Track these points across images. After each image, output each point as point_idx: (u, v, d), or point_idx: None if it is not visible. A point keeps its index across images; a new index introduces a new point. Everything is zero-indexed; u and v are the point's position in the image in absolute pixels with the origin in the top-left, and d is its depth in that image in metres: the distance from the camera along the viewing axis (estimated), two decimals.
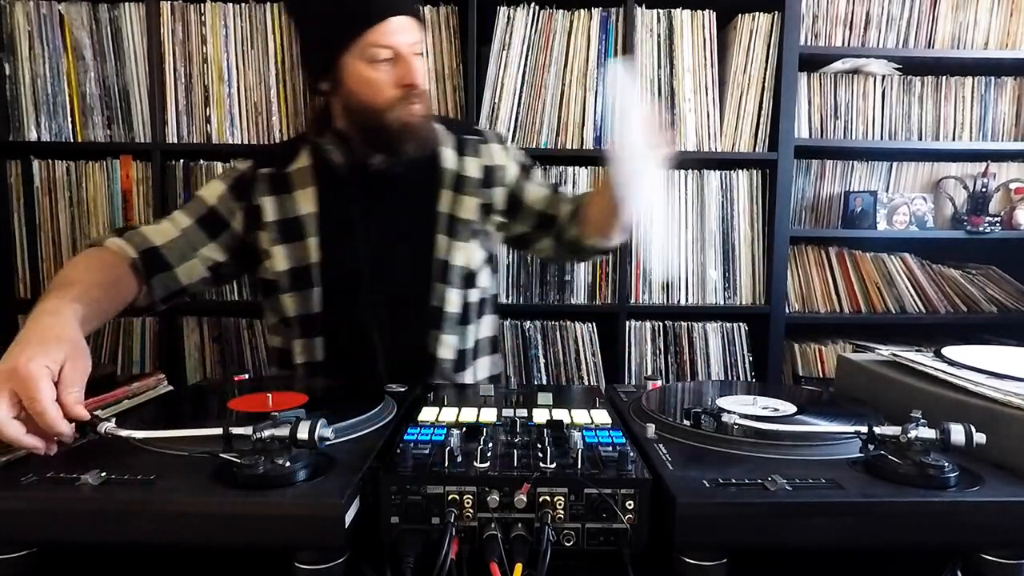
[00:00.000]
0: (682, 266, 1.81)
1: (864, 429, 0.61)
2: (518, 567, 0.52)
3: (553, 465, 0.58)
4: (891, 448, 0.60)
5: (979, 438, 0.58)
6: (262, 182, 1.09)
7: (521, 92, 1.74)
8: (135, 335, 1.73)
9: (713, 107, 1.77)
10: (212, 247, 1.07)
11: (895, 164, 1.99)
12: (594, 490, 0.56)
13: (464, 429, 0.65)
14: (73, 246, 1.71)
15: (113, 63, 1.68)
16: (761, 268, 1.82)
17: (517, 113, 1.74)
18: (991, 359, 0.79)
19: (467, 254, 1.11)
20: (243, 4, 1.68)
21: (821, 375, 1.89)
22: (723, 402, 0.77)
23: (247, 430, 0.57)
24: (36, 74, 1.67)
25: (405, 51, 0.97)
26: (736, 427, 0.66)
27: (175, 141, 1.70)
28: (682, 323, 1.82)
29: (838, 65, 1.88)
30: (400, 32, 0.96)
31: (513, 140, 1.73)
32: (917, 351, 0.90)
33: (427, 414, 0.75)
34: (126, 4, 1.67)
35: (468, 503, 0.56)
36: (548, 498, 0.56)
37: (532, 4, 1.72)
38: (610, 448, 0.63)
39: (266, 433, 0.56)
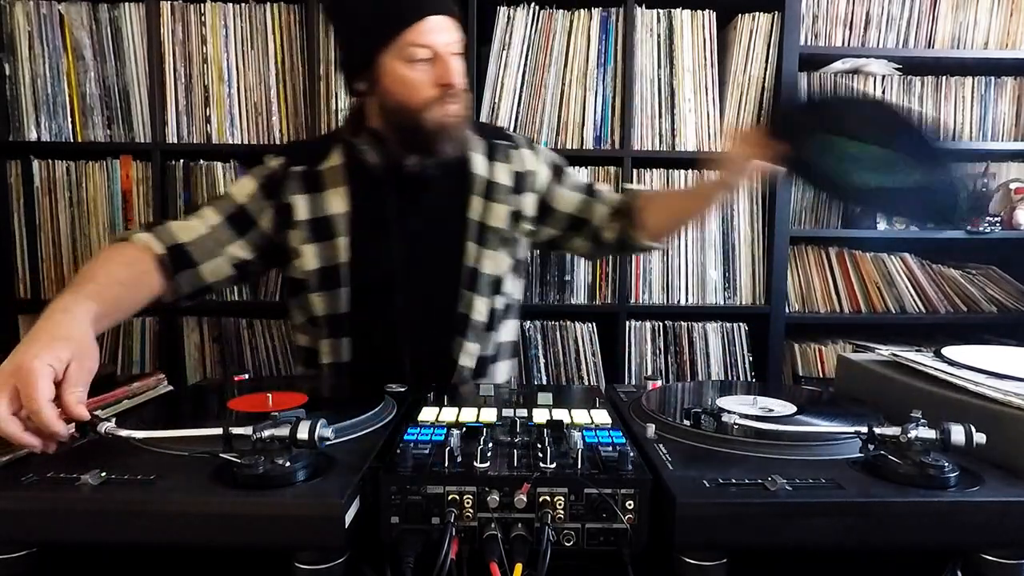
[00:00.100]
0: (682, 266, 1.81)
1: (864, 429, 0.61)
2: (518, 567, 0.52)
3: (553, 465, 0.58)
4: (891, 448, 0.60)
5: (979, 438, 0.58)
6: (294, 180, 1.08)
7: (521, 92, 1.74)
8: (135, 335, 1.73)
9: (713, 107, 1.77)
10: (239, 245, 1.07)
11: None
12: (594, 490, 0.56)
13: (464, 429, 0.65)
14: (73, 246, 1.71)
15: (113, 63, 1.69)
16: (761, 268, 1.82)
17: (517, 113, 1.74)
18: (991, 359, 0.79)
19: (496, 262, 1.11)
20: (243, 4, 1.68)
21: (821, 375, 1.89)
22: (723, 402, 0.78)
23: (247, 430, 0.57)
24: (36, 74, 1.67)
25: (443, 50, 0.97)
26: (736, 427, 0.66)
27: (175, 141, 1.70)
28: (682, 323, 1.82)
29: (838, 65, 1.88)
30: (438, 31, 0.96)
31: None
32: (917, 351, 0.90)
33: (427, 414, 0.75)
34: (126, 4, 1.67)
35: (468, 503, 0.56)
36: (548, 498, 0.56)
37: (532, 4, 1.72)
38: (610, 448, 0.63)
39: (266, 433, 0.56)
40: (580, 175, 1.22)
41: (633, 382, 1.73)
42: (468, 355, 1.10)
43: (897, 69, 1.90)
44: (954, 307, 1.93)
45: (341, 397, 0.92)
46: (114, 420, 0.64)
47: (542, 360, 1.80)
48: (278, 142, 1.72)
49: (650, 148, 1.76)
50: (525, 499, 0.55)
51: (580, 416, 0.74)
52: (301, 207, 1.07)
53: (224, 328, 1.75)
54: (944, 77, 1.93)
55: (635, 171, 1.78)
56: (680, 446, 0.66)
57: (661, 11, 1.74)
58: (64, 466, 0.59)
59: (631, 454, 0.59)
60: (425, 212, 1.09)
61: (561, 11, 1.73)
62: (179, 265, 1.00)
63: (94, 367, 0.68)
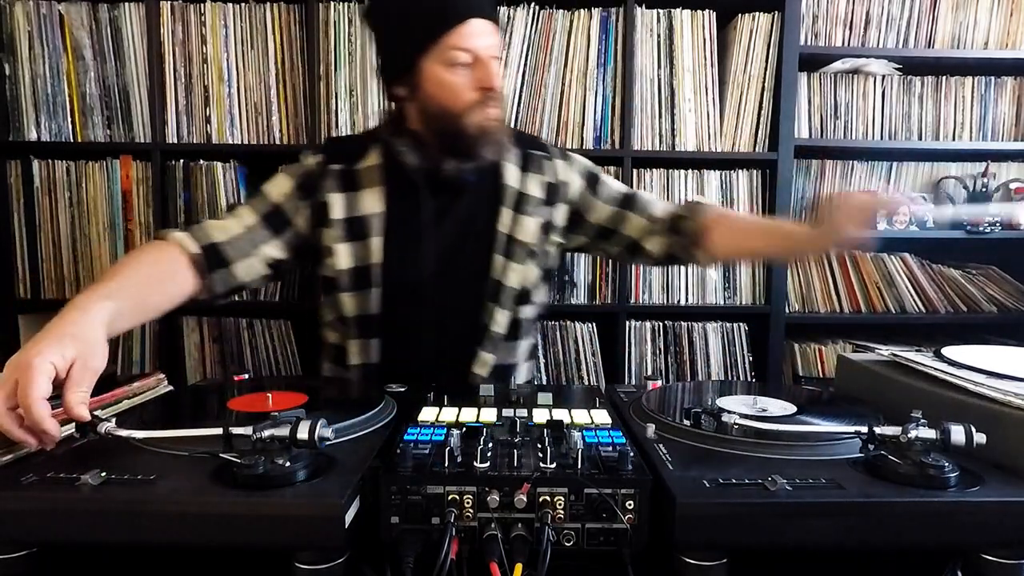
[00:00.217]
0: (682, 266, 1.81)
1: (864, 429, 0.61)
2: (518, 567, 0.52)
3: (553, 465, 0.58)
4: (891, 448, 0.60)
5: (979, 438, 0.58)
6: (331, 178, 1.08)
7: (521, 92, 1.74)
8: (135, 335, 1.73)
9: (713, 107, 1.77)
10: (274, 245, 1.07)
11: (895, 164, 1.99)
12: (594, 490, 0.56)
13: (464, 429, 0.65)
14: (73, 246, 1.71)
15: (113, 63, 1.69)
16: (761, 268, 1.82)
17: (517, 113, 1.74)
18: (991, 359, 0.79)
19: (522, 275, 1.11)
20: (243, 4, 1.68)
21: (821, 375, 1.89)
22: (723, 402, 0.77)
23: (247, 430, 0.57)
24: (36, 74, 1.67)
25: (483, 54, 0.97)
26: (736, 427, 0.66)
27: (175, 141, 1.70)
28: (682, 323, 1.82)
29: (838, 65, 1.88)
30: (479, 35, 0.96)
31: None
32: (917, 351, 0.90)
33: (427, 414, 0.75)
34: (126, 4, 1.67)
35: (468, 503, 0.56)
36: (548, 498, 0.56)
37: (532, 4, 1.72)
38: (610, 448, 0.63)
39: (266, 433, 0.56)
40: (617, 185, 1.20)
41: (633, 382, 1.73)
42: (483, 364, 1.10)
43: (897, 69, 1.90)
44: (954, 307, 1.93)
45: (341, 397, 0.92)
46: (114, 420, 0.64)
47: (542, 360, 1.80)
48: (278, 142, 1.72)
49: (650, 148, 1.76)
50: (525, 499, 0.55)
51: (580, 416, 0.74)
52: (337, 205, 1.07)
53: (224, 328, 1.75)
54: (944, 77, 1.93)
55: (635, 171, 1.78)
56: (680, 446, 0.66)
57: (661, 11, 1.74)
58: (64, 466, 0.59)
59: (631, 454, 0.59)
60: (457, 220, 1.09)
61: (561, 11, 1.73)
62: (213, 264, 1.00)
63: (100, 367, 0.68)
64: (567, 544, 0.56)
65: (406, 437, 0.66)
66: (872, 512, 0.55)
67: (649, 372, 1.82)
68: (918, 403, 0.67)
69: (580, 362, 1.81)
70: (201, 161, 1.70)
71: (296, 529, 0.53)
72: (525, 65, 1.73)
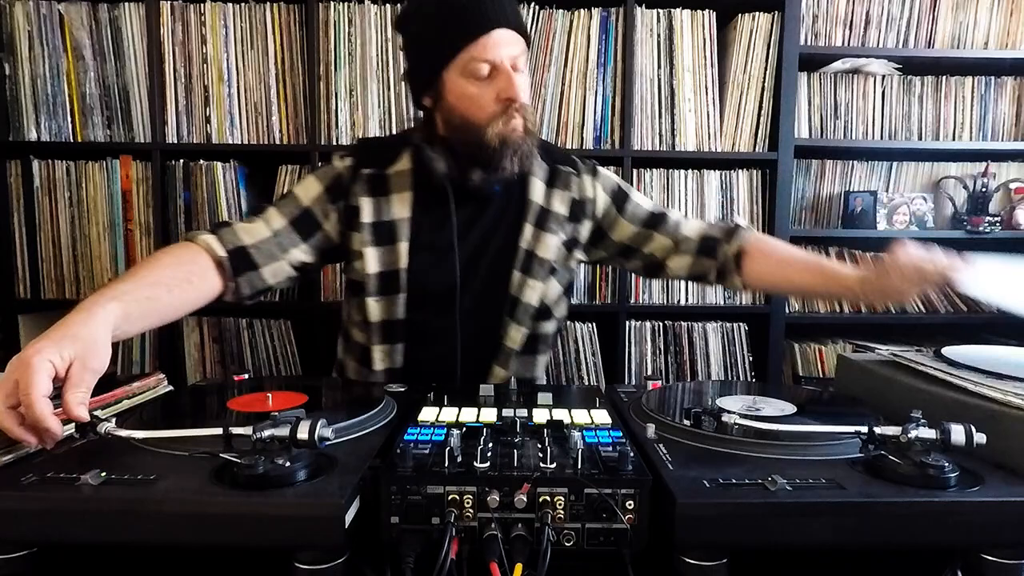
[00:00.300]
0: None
1: (864, 429, 0.61)
2: (518, 567, 0.52)
3: (553, 465, 0.58)
4: (891, 448, 0.60)
5: (979, 438, 0.58)
6: (362, 182, 1.07)
7: None
8: (136, 335, 1.73)
9: (713, 107, 1.77)
10: (302, 249, 1.06)
11: (895, 164, 1.99)
12: (594, 490, 0.56)
13: (464, 429, 0.65)
14: (73, 246, 1.72)
15: (113, 63, 1.69)
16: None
17: None
18: (991, 359, 0.79)
19: (541, 292, 1.10)
20: (243, 4, 1.68)
21: (821, 375, 1.89)
22: (723, 402, 0.78)
23: (247, 430, 0.57)
24: (36, 74, 1.67)
25: (505, 65, 0.96)
26: (736, 427, 0.66)
27: (175, 141, 1.70)
28: (682, 323, 1.82)
29: (838, 65, 1.88)
30: (501, 46, 0.95)
31: None
32: (917, 351, 0.90)
33: (427, 414, 0.75)
34: (126, 4, 1.67)
35: (468, 503, 0.56)
36: (548, 498, 0.56)
37: (532, 4, 1.72)
38: (610, 448, 0.63)
39: (266, 433, 0.56)
40: (646, 204, 1.18)
41: (633, 382, 1.73)
42: (498, 379, 1.10)
43: (897, 69, 1.90)
44: (954, 307, 1.93)
45: (341, 397, 0.92)
46: (114, 420, 0.64)
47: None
48: (278, 142, 1.72)
49: (650, 148, 1.76)
50: (525, 499, 0.55)
51: (580, 416, 0.74)
52: (366, 209, 1.06)
53: (224, 328, 1.75)
54: (944, 77, 1.93)
55: (635, 171, 1.78)
56: (680, 446, 0.66)
57: (661, 11, 1.74)
58: (64, 466, 0.59)
59: (631, 454, 0.59)
60: (480, 232, 1.09)
61: (561, 11, 1.73)
62: (241, 268, 0.99)
63: (100, 369, 0.67)
64: (567, 544, 0.56)
65: (406, 437, 0.66)
66: (872, 512, 0.55)
67: (649, 372, 1.82)
68: (918, 403, 0.67)
69: (580, 362, 1.81)
70: (201, 161, 1.70)
71: (296, 529, 0.53)
72: None
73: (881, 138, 1.93)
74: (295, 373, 1.77)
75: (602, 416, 0.74)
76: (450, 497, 0.56)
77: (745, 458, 0.63)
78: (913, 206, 1.92)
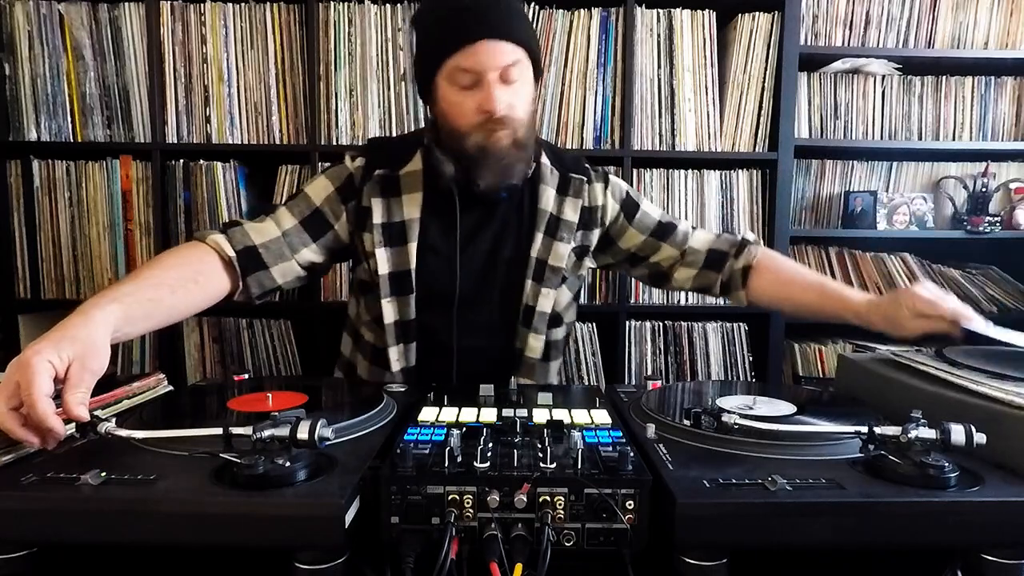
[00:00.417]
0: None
1: (864, 429, 0.61)
2: (518, 567, 0.52)
3: (553, 465, 0.58)
4: (891, 448, 0.60)
5: (979, 438, 0.58)
6: (374, 183, 1.07)
7: None
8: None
9: (713, 107, 1.77)
10: (312, 249, 1.06)
11: (895, 164, 1.99)
12: (594, 490, 0.56)
13: (464, 429, 0.65)
14: (73, 246, 1.71)
15: (113, 63, 1.69)
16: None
17: None
18: (992, 358, 0.79)
19: (553, 299, 1.10)
20: (243, 4, 1.68)
21: (821, 375, 1.89)
22: (723, 402, 0.78)
23: (247, 430, 0.57)
24: (36, 74, 1.67)
25: (490, 76, 0.95)
26: (736, 427, 0.66)
27: (175, 141, 1.70)
28: (682, 323, 1.82)
29: (838, 65, 1.88)
30: (487, 56, 0.94)
31: None
32: (917, 351, 0.90)
33: (427, 414, 0.75)
34: (126, 4, 1.67)
35: (468, 503, 0.56)
36: (548, 498, 0.56)
37: (532, 4, 1.72)
38: (610, 448, 0.63)
39: (266, 433, 0.56)
40: (656, 213, 1.19)
41: (633, 382, 1.73)
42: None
43: (897, 69, 1.90)
44: None
45: (341, 397, 0.92)
46: (114, 420, 0.64)
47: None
48: (278, 142, 1.72)
49: (650, 148, 1.76)
50: (525, 499, 0.55)
51: (580, 416, 0.74)
52: (378, 210, 1.06)
53: (224, 328, 1.75)
54: (944, 77, 1.93)
55: (635, 171, 1.78)
56: (680, 446, 0.66)
57: (661, 11, 1.74)
58: (64, 466, 0.59)
59: (631, 454, 0.59)
60: (489, 239, 1.09)
61: (561, 11, 1.73)
62: (250, 267, 0.99)
63: (100, 370, 0.68)
64: (567, 544, 0.56)
65: (406, 437, 0.66)
66: (872, 512, 0.55)
67: (649, 372, 1.81)
68: (918, 403, 0.67)
69: (580, 362, 1.81)
70: (201, 161, 1.70)
71: (296, 529, 0.53)
72: None
73: (881, 138, 1.93)
74: (295, 373, 1.77)
75: (602, 416, 0.74)
76: (450, 497, 0.56)
77: (745, 458, 0.63)
78: (913, 206, 1.92)
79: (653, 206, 1.21)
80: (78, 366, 0.65)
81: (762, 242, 1.66)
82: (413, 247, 1.06)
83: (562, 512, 0.56)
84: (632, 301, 1.81)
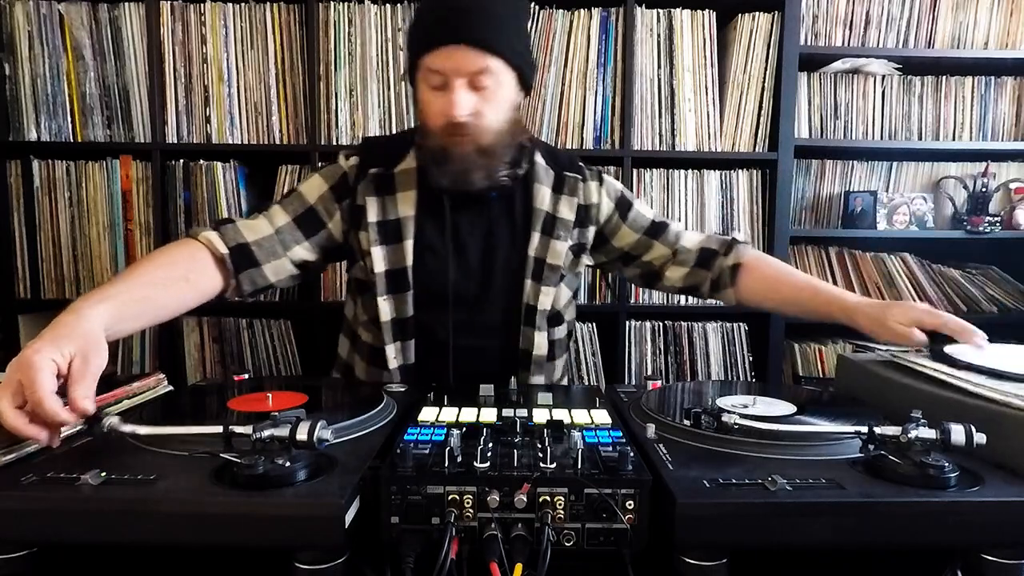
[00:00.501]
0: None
1: (864, 429, 0.61)
2: (518, 567, 0.52)
3: (553, 465, 0.58)
4: (891, 448, 0.60)
5: (979, 438, 0.58)
6: (368, 181, 1.08)
7: None
8: (135, 335, 1.73)
9: (713, 107, 1.77)
10: (305, 247, 1.07)
11: (895, 164, 1.99)
12: (594, 490, 0.56)
13: (464, 429, 0.65)
14: (73, 246, 1.71)
15: (113, 63, 1.69)
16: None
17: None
18: (992, 357, 0.79)
19: (553, 297, 1.11)
20: (243, 4, 1.68)
21: (821, 375, 1.89)
22: (723, 402, 0.78)
23: (247, 429, 0.57)
24: (36, 74, 1.67)
25: (456, 81, 0.95)
26: (736, 427, 0.66)
27: (175, 141, 1.70)
28: (682, 323, 1.82)
29: (838, 65, 1.88)
30: (454, 61, 0.94)
31: None
32: (917, 351, 0.90)
33: (427, 414, 0.75)
34: (126, 4, 1.67)
35: (468, 503, 0.56)
36: (548, 498, 0.56)
37: (532, 4, 1.72)
38: (610, 448, 0.63)
39: (266, 433, 0.56)
40: (649, 213, 1.20)
41: (633, 382, 1.72)
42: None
43: (897, 69, 1.90)
44: (954, 307, 1.93)
45: (341, 397, 0.92)
46: (118, 417, 0.64)
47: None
48: (278, 142, 1.72)
49: (650, 148, 1.76)
50: (525, 499, 0.55)
51: (580, 416, 0.74)
52: (373, 209, 1.07)
53: (224, 328, 1.75)
54: (944, 77, 1.93)
55: (635, 171, 1.78)
56: (680, 446, 0.66)
57: (661, 11, 1.74)
58: (64, 466, 0.59)
59: (631, 454, 0.59)
60: (485, 239, 1.09)
61: (561, 11, 1.73)
62: (242, 264, 1.00)
63: (101, 364, 0.68)
64: (567, 544, 0.56)
65: (406, 437, 0.66)
66: (872, 512, 0.55)
67: (649, 372, 1.81)
68: (918, 403, 0.67)
69: (580, 362, 1.81)
70: (201, 161, 1.70)
71: (296, 529, 0.53)
72: None
73: (881, 138, 1.93)
74: (295, 373, 1.77)
75: (602, 416, 0.74)
76: (450, 497, 0.56)
77: (745, 458, 0.63)
78: (913, 206, 1.92)
79: (645, 206, 1.22)
80: (80, 361, 0.66)
81: (751, 243, 1.66)
82: (409, 244, 1.06)
83: (562, 512, 0.56)
84: (632, 301, 1.81)
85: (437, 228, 1.07)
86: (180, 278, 0.92)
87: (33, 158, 1.69)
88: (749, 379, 1.82)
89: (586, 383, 1.80)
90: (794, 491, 0.55)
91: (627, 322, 1.80)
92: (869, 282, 1.94)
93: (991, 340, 0.88)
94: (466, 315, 1.08)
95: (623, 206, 1.18)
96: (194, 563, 0.60)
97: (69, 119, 1.69)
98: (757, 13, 1.75)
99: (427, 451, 0.61)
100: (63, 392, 0.64)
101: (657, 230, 1.17)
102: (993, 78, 1.94)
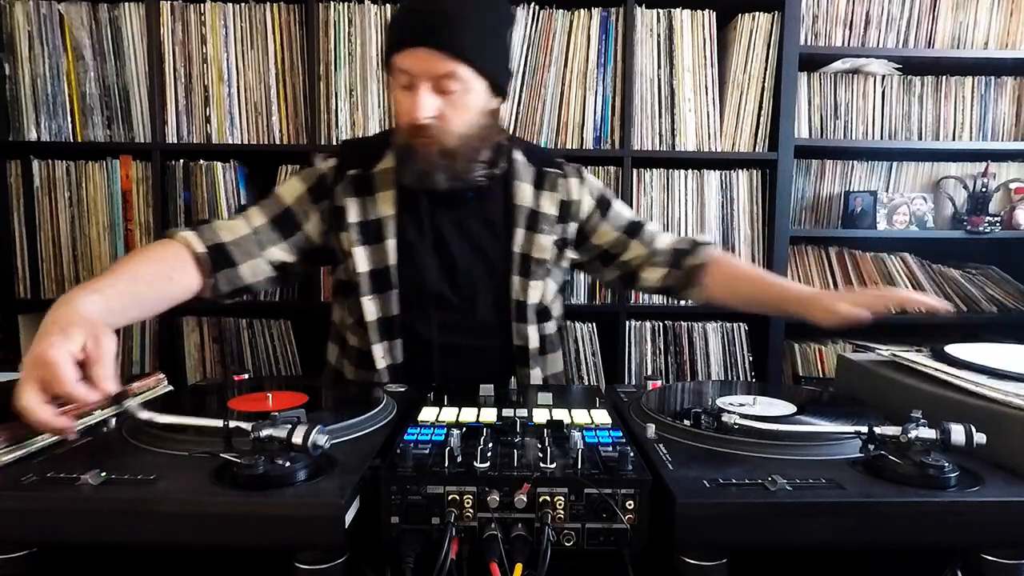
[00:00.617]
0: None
1: (864, 429, 0.61)
2: (518, 567, 0.52)
3: (553, 465, 0.58)
4: (891, 448, 0.60)
5: (979, 438, 0.58)
6: (346, 183, 1.08)
7: (521, 92, 1.74)
8: (135, 335, 1.73)
9: (713, 107, 1.77)
10: (281, 247, 1.07)
11: (895, 164, 1.99)
12: (594, 490, 0.56)
13: (464, 429, 0.65)
14: (73, 246, 1.71)
15: (113, 63, 1.69)
16: (761, 268, 1.82)
17: (517, 113, 1.74)
18: (992, 357, 0.79)
19: (540, 291, 1.11)
20: (243, 4, 1.68)
21: (821, 375, 1.89)
22: (723, 402, 0.78)
23: (247, 426, 0.57)
24: (36, 74, 1.67)
25: (420, 83, 0.96)
26: (736, 427, 0.66)
27: (175, 141, 1.70)
28: (682, 323, 1.82)
29: (838, 65, 1.88)
30: (419, 63, 0.95)
31: None
32: (917, 351, 0.90)
33: (427, 414, 0.75)
34: (126, 4, 1.67)
35: (468, 503, 0.56)
36: (548, 498, 0.56)
37: (532, 4, 1.72)
38: (610, 448, 0.63)
39: (264, 432, 0.56)
40: (627, 212, 1.21)
41: (633, 382, 1.72)
42: (532, 380, 1.12)
43: (897, 69, 1.90)
44: (954, 307, 1.93)
45: (341, 397, 0.92)
46: (137, 403, 0.65)
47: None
48: (278, 142, 1.72)
49: (650, 148, 1.76)
50: (525, 499, 0.55)
51: (580, 416, 0.74)
52: (353, 210, 1.07)
53: (224, 328, 1.75)
54: (944, 77, 1.93)
55: (635, 171, 1.78)
56: (680, 446, 0.66)
57: (661, 11, 1.74)
58: (64, 466, 0.59)
59: (631, 454, 0.59)
60: (468, 238, 1.09)
61: (561, 11, 1.73)
62: (219, 264, 1.00)
63: (112, 344, 0.68)
64: (567, 544, 0.56)
65: (406, 437, 0.66)
66: (872, 512, 0.55)
67: (649, 372, 1.81)
68: (918, 403, 0.67)
69: (580, 362, 1.81)
70: (201, 161, 1.70)
71: (296, 529, 0.53)
72: (525, 65, 1.73)
73: (881, 138, 1.93)
74: (295, 373, 1.77)
75: (602, 416, 0.74)
76: (450, 497, 0.56)
77: (745, 458, 0.63)
78: (913, 206, 1.92)
79: (624, 205, 1.23)
80: (93, 345, 0.66)
81: (751, 243, 1.67)
82: (391, 243, 1.07)
83: (562, 512, 0.56)
84: (632, 301, 1.81)
85: (417, 227, 1.08)
86: (164, 276, 0.93)
87: (33, 158, 1.69)
88: (749, 379, 1.82)
89: (586, 383, 1.80)
90: (794, 491, 0.55)
91: (627, 322, 1.80)
92: (869, 282, 1.94)
93: (991, 340, 0.88)
94: (455, 314, 1.08)
95: (603, 204, 1.19)
96: (194, 563, 0.60)
97: (69, 119, 1.69)
98: (757, 13, 1.74)
99: (427, 451, 0.61)
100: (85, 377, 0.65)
101: (635, 229, 1.18)
102: (993, 78, 1.94)
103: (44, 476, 0.57)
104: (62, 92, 1.68)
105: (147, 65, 1.67)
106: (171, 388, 0.93)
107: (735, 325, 1.82)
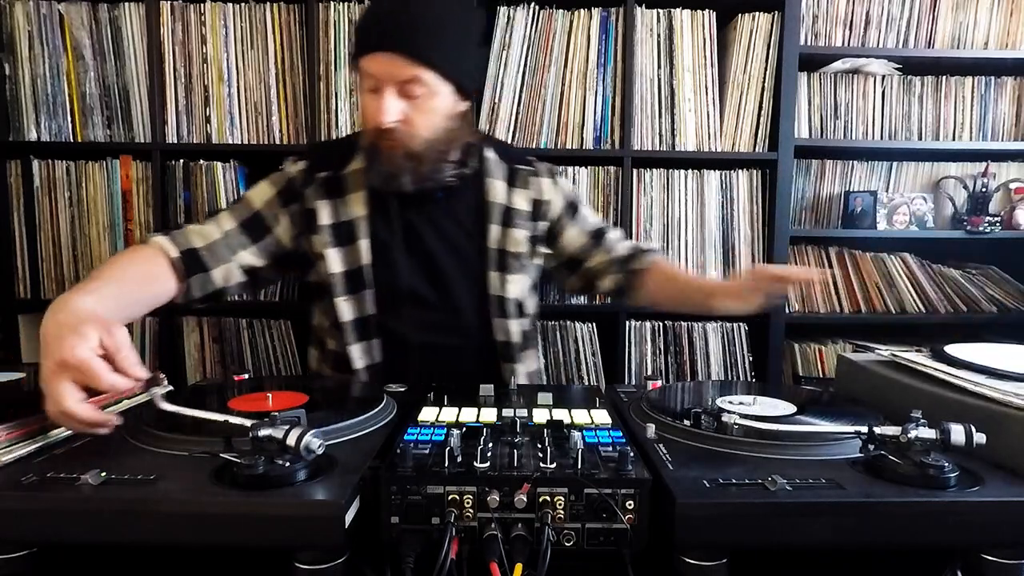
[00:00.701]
0: (682, 266, 1.81)
1: (864, 429, 0.61)
2: (518, 567, 0.52)
3: (553, 465, 0.58)
4: (891, 448, 0.60)
5: (979, 438, 0.58)
6: (317, 186, 1.09)
7: (521, 92, 1.74)
8: (135, 335, 1.73)
9: (713, 107, 1.77)
10: (251, 251, 1.07)
11: (895, 164, 1.99)
12: (594, 490, 0.56)
13: (464, 429, 0.65)
14: (73, 246, 1.71)
15: (113, 63, 1.68)
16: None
17: (517, 113, 1.74)
18: (992, 356, 0.79)
19: (520, 285, 1.13)
20: (243, 4, 1.68)
21: (821, 375, 1.89)
22: (723, 402, 0.78)
23: (247, 422, 0.57)
24: (36, 74, 1.67)
25: (385, 87, 0.97)
26: (736, 427, 0.66)
27: (175, 141, 1.70)
28: (682, 323, 1.82)
29: (838, 65, 1.88)
30: (383, 67, 0.96)
31: (513, 140, 1.73)
32: (917, 351, 0.90)
33: (427, 414, 0.75)
34: (126, 4, 1.67)
35: (468, 503, 0.56)
36: (548, 498, 0.56)
37: (532, 4, 1.72)
38: (610, 448, 0.63)
39: (262, 432, 0.56)
40: (593, 217, 1.23)
41: (633, 382, 1.73)
42: (519, 375, 1.13)
43: (897, 69, 1.90)
44: (954, 307, 1.93)
45: (341, 397, 0.92)
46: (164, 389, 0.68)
47: (542, 360, 1.80)
48: (278, 142, 1.72)
49: (650, 148, 1.76)
50: (525, 499, 0.55)
51: (580, 416, 0.74)
52: (324, 212, 1.08)
53: (224, 328, 1.75)
54: (944, 77, 1.93)
55: (635, 171, 1.78)
56: (680, 446, 0.66)
57: (661, 11, 1.74)
58: (64, 466, 0.59)
59: (631, 454, 0.59)
60: (439, 237, 1.10)
61: (561, 11, 1.73)
62: (192, 269, 1.01)
63: (124, 335, 0.69)
64: (567, 544, 0.56)
65: (406, 437, 0.66)
66: (872, 512, 0.55)
67: (649, 372, 1.81)
68: (918, 403, 0.67)
69: (580, 362, 1.81)
70: (201, 161, 1.70)
71: (296, 529, 0.53)
72: (525, 65, 1.73)
73: (881, 138, 1.93)
74: (295, 373, 1.77)
75: (602, 416, 0.74)
76: (450, 497, 0.56)
77: (745, 458, 0.63)
78: (913, 206, 1.92)
79: (591, 210, 1.25)
80: (108, 337, 0.67)
81: (751, 243, 1.66)
82: (364, 244, 1.07)
83: (562, 512, 0.56)
84: None
85: (389, 227, 1.08)
86: (150, 279, 0.95)
87: (33, 158, 1.69)
88: (749, 379, 1.82)
89: (586, 383, 1.80)
90: (794, 491, 0.55)
91: (627, 322, 1.80)
92: (869, 282, 1.94)
93: (991, 340, 0.88)
94: (432, 313, 1.09)
95: (572, 207, 1.21)
96: (194, 563, 0.60)
97: (69, 119, 1.69)
98: (757, 13, 1.74)
99: (427, 451, 0.61)
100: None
101: (599, 236, 1.20)
102: (993, 78, 1.94)
103: (44, 476, 0.57)
104: (62, 92, 1.68)
105: (147, 65, 1.67)
106: (171, 388, 0.93)
107: (735, 325, 1.82)
